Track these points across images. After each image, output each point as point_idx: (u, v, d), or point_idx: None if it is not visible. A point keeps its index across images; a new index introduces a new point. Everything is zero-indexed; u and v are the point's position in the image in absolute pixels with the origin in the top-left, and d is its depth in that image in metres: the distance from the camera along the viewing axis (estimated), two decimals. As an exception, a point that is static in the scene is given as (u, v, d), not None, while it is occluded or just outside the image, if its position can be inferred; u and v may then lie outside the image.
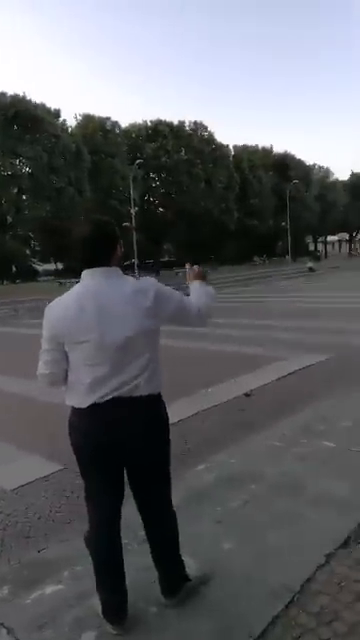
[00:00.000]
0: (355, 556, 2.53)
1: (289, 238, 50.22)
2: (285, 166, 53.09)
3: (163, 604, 2.23)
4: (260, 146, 52.92)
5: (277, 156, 54.29)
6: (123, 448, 2.04)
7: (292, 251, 51.46)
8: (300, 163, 56.23)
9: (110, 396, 1.96)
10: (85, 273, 2.01)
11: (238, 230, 46.95)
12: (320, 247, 69.79)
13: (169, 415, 2.17)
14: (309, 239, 65.16)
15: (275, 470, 3.60)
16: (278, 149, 55.71)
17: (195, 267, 2.35)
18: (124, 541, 2.19)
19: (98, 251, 2.00)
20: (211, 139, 45.68)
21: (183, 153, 42.36)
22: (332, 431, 4.31)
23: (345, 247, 78.74)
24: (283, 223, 50.38)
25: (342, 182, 64.79)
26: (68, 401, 2.07)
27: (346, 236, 75.27)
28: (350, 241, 74.59)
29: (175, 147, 41.89)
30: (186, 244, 45.92)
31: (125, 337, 1.94)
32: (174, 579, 2.24)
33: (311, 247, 65.95)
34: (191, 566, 2.33)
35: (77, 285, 2.03)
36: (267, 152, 53.39)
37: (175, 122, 43.79)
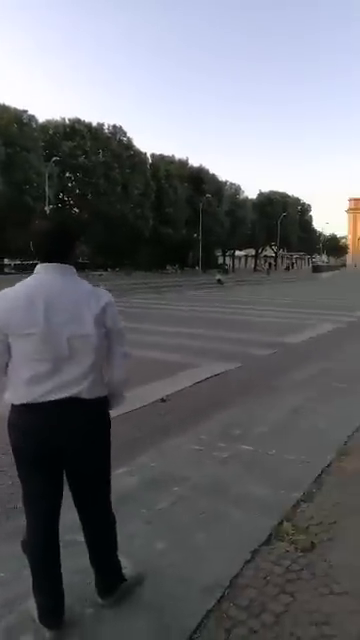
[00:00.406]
0: (277, 552, 2.71)
1: (200, 250, 51.55)
2: (199, 179, 54.44)
3: (99, 605, 2.24)
4: (177, 157, 53.93)
5: (192, 169, 55.53)
6: (64, 450, 2.01)
7: (203, 263, 52.85)
8: (213, 178, 57.96)
9: (54, 395, 1.93)
10: (40, 267, 2.00)
11: (152, 237, 47.28)
12: (228, 261, 72.36)
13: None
14: (219, 252, 67.27)
15: (197, 473, 3.72)
16: (193, 162, 57.13)
17: None
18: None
19: (57, 246, 1.99)
20: (129, 144, 45.65)
21: (101, 155, 41.87)
22: (248, 436, 4.53)
23: (251, 262, 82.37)
24: (195, 234, 51.59)
25: (251, 200, 67.83)
26: (8, 398, 2.00)
27: (252, 252, 78.84)
28: (256, 257, 78.14)
29: (93, 148, 41.31)
30: (100, 247, 45.38)
31: (72, 335, 1.94)
32: (111, 580, 2.26)
33: (220, 260, 68.19)
34: (126, 566, 2.36)
35: (29, 278, 1.99)
36: (183, 164, 54.39)
37: (94, 124, 43.28)
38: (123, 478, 3.64)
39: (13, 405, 1.98)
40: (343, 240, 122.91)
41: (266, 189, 74.15)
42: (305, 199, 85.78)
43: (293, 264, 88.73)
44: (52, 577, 2.08)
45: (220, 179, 60.01)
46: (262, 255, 79.87)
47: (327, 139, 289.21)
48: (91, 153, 41.47)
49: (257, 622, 2.18)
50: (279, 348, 9.64)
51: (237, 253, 76.58)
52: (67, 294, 1.97)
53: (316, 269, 73.77)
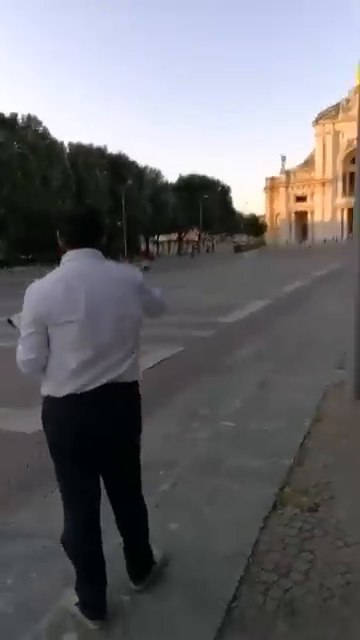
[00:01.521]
0: (286, 516, 2.85)
1: (125, 238, 51.11)
2: (119, 166, 53.85)
3: (134, 590, 2.26)
4: (95, 145, 52.91)
5: (111, 156, 54.77)
6: (106, 438, 1.99)
7: (127, 251, 52.50)
8: (133, 164, 57.61)
9: (97, 382, 1.90)
10: (72, 253, 1.98)
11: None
12: (152, 246, 72.42)
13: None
14: (142, 239, 67.18)
15: (184, 454, 3.76)
16: (112, 150, 56.35)
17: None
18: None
19: (89, 231, 2.01)
20: (45, 134, 44.16)
21: (16, 147, 40.18)
22: (221, 413, 4.63)
23: (174, 247, 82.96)
24: (119, 223, 51.06)
25: (172, 184, 68.14)
26: (46, 390, 1.95)
27: (175, 236, 79.42)
28: (179, 241, 78.78)
29: (8, 140, 39.52)
30: (20, 242, 43.70)
31: (116, 316, 1.93)
32: (145, 565, 2.28)
33: (143, 247, 68.11)
34: (153, 550, 2.39)
35: (62, 265, 1.98)
36: (102, 152, 53.51)
37: (7, 114, 41.30)
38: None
39: (53, 398, 1.92)
40: (262, 219, 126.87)
41: (185, 173, 74.76)
42: (224, 181, 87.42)
43: (213, 245, 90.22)
44: (97, 569, 2.07)
45: (140, 165, 59.69)
46: (185, 239, 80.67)
47: (243, 120, 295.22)
48: (5, 145, 39.65)
49: (288, 581, 2.30)
50: (219, 328, 9.86)
51: (160, 238, 76.82)
52: (102, 279, 1.96)
53: (237, 249, 75.57)
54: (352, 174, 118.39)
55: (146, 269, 38.31)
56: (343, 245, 54.13)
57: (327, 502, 2.97)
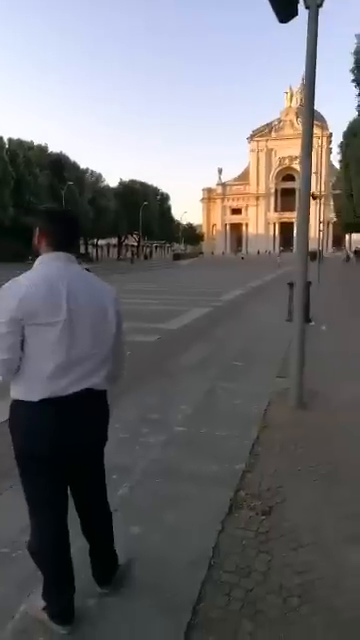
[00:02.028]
0: (242, 519, 2.95)
1: (64, 239, 50.09)
2: (60, 166, 52.79)
3: (100, 594, 2.25)
4: (35, 143, 51.57)
5: (52, 155, 53.65)
6: (80, 445, 1.96)
7: (66, 252, 51.48)
8: (74, 165, 56.70)
9: (73, 388, 1.86)
10: (51, 255, 1.93)
11: (13, 227, 44.72)
12: (91, 250, 71.55)
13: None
14: (81, 242, 66.26)
15: (137, 459, 3.77)
16: (53, 149, 55.21)
17: None
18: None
19: (73, 235, 2.02)
20: (-17, 127, 42.53)
21: None
22: (169, 419, 4.67)
23: (113, 251, 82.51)
24: (59, 223, 49.95)
25: (112, 189, 67.75)
26: (18, 394, 1.87)
27: (114, 241, 78.98)
28: (119, 246, 78.46)
29: None
30: None
31: (96, 322, 1.92)
32: (110, 569, 2.28)
33: (82, 250, 67.12)
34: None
35: (42, 265, 1.92)
36: (43, 150, 52.30)
37: None
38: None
39: (26, 402, 1.85)
40: (199, 229, 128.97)
41: (126, 178, 74.62)
42: (164, 189, 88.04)
43: (152, 252, 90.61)
44: (66, 577, 2.05)
45: (81, 167, 58.85)
46: (124, 244, 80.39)
47: (184, 129, 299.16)
48: None
49: (250, 582, 2.38)
50: (162, 334, 9.92)
51: (100, 242, 76.07)
52: (85, 283, 1.95)
53: (176, 257, 76.37)
54: (283, 190, 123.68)
55: (87, 271, 37.73)
56: (275, 258, 56.08)
57: (280, 505, 3.09)
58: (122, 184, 72.63)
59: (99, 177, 64.08)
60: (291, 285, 10.92)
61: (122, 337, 2.12)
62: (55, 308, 1.82)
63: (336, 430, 4.42)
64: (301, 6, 4.96)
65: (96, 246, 74.68)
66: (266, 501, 3.13)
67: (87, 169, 61.46)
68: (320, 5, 4.90)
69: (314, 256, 24.39)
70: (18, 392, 1.88)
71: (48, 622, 2.05)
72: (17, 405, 1.90)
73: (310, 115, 5.07)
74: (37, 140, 53.04)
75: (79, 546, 2.20)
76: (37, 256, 1.98)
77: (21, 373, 1.86)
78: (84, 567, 2.22)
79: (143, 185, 75.46)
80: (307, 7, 4.92)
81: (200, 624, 2.11)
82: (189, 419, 4.68)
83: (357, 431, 4.38)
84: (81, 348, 1.88)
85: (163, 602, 2.23)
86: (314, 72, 4.98)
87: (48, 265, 1.92)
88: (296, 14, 5.14)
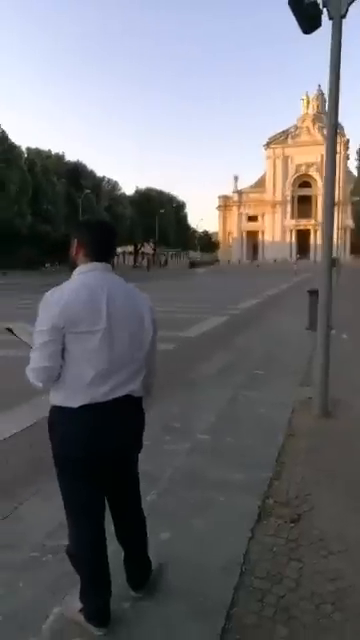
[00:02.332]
0: (271, 526, 2.97)
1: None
2: (77, 175, 53.53)
3: (134, 598, 2.29)
4: (53, 152, 52.45)
5: (69, 164, 54.42)
6: (117, 450, 2.02)
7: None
8: (91, 174, 57.40)
9: (113, 394, 1.93)
10: (91, 265, 2.00)
11: (31, 235, 45.42)
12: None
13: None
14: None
15: (163, 466, 3.79)
16: (70, 157, 56.01)
17: None
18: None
19: (111, 246, 2.11)
20: (4, 138, 43.32)
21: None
22: (194, 427, 4.71)
23: (129, 259, 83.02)
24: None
25: (128, 197, 68.35)
26: (58, 400, 1.94)
27: (130, 248, 79.50)
28: (135, 253, 78.96)
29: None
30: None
31: (134, 331, 1.99)
32: (145, 574, 2.33)
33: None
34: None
35: (83, 275, 1.98)
36: (60, 159, 53.12)
37: None
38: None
39: (66, 408, 1.91)
40: (215, 236, 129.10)
41: (142, 186, 75.22)
42: (180, 197, 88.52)
43: (167, 260, 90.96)
44: (104, 579, 2.11)
45: (97, 175, 59.51)
46: (140, 251, 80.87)
47: (199, 136, 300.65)
48: None
49: (282, 588, 2.40)
50: (179, 342, 9.88)
51: (117, 250, 76.59)
52: (124, 291, 2.02)
53: (192, 265, 76.56)
54: (300, 197, 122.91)
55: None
56: (292, 265, 55.86)
57: (308, 513, 3.11)
58: (138, 192, 73.22)
59: (115, 185, 64.72)
60: (311, 293, 10.92)
61: (156, 345, 2.18)
62: (95, 316, 1.87)
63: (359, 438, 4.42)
64: (324, 16, 5.03)
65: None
66: (294, 509, 3.15)
67: (104, 177, 62.11)
68: (344, 16, 4.96)
69: (332, 263, 24.22)
70: (58, 399, 1.95)
71: (84, 624, 2.09)
72: (57, 411, 1.96)
73: (334, 126, 5.11)
74: (54, 149, 53.98)
75: (113, 550, 2.24)
76: (74, 267, 2.05)
77: (61, 380, 1.92)
78: (119, 571, 2.27)
79: (159, 193, 75.97)
80: (331, 18, 4.99)
81: (234, 629, 2.14)
82: (213, 427, 4.71)
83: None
84: (120, 355, 1.94)
85: (197, 606, 2.27)
86: (338, 82, 5.02)
87: (87, 275, 1.97)
88: (320, 25, 5.20)
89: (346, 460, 3.92)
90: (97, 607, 2.09)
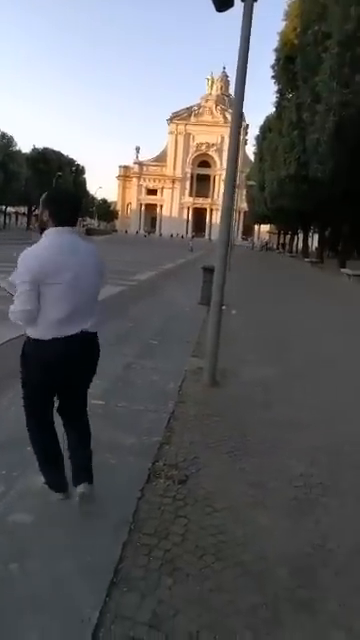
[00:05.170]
0: (160, 487, 3.10)
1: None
2: (-33, 124, 49.25)
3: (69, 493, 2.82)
4: None
5: None
6: (77, 371, 2.61)
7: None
8: (-17, 125, 53.21)
9: (74, 330, 2.47)
10: (58, 229, 2.46)
11: None
12: (-1, 217, 67.92)
13: None
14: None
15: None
16: None
17: None
18: None
19: (75, 212, 2.59)
20: None
21: None
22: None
23: (23, 220, 78.91)
24: None
25: (25, 154, 64.33)
26: (34, 334, 2.45)
27: (24, 209, 75.43)
28: (29, 215, 74.97)
29: None
30: None
31: (89, 284, 2.51)
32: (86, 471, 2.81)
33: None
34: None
35: (49, 237, 2.44)
36: None
37: None
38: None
39: (40, 340, 2.44)
40: (114, 206, 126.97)
41: (40, 145, 71.18)
42: (79, 161, 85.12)
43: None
44: (59, 457, 2.82)
45: (-10, 127, 55.16)
46: (35, 213, 76.97)
47: (103, 103, 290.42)
48: None
49: (168, 543, 2.53)
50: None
51: (9, 209, 72.25)
52: (86, 251, 2.54)
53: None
54: (199, 176, 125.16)
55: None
56: (187, 242, 56.87)
57: (195, 475, 3.28)
58: (35, 150, 69.12)
59: (10, 140, 60.39)
60: (205, 269, 11.26)
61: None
62: (63, 270, 2.37)
63: (245, 406, 4.72)
64: (237, -3, 5.09)
65: (4, 213, 70.86)
66: (182, 470, 3.31)
67: (-2, 130, 57.71)
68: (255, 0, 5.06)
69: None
70: (33, 332, 2.47)
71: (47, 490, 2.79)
72: (30, 342, 2.50)
73: (239, 111, 5.27)
74: None
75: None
76: (43, 229, 2.51)
77: (38, 320, 2.43)
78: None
79: (57, 154, 72.30)
80: (243, 0, 5.06)
81: (123, 582, 2.22)
82: (107, 393, 4.73)
83: (263, 407, 4.72)
84: (82, 300, 2.47)
85: (85, 565, 2.32)
86: (245, 66, 5.12)
87: (55, 237, 2.44)
88: (232, 5, 5.27)
89: (231, 425, 4.17)
90: (54, 479, 2.80)
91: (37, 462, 2.80)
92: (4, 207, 68.03)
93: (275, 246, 77.38)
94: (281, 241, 74.15)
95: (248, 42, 5.09)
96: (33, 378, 2.54)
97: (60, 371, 2.52)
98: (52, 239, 2.44)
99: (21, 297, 2.37)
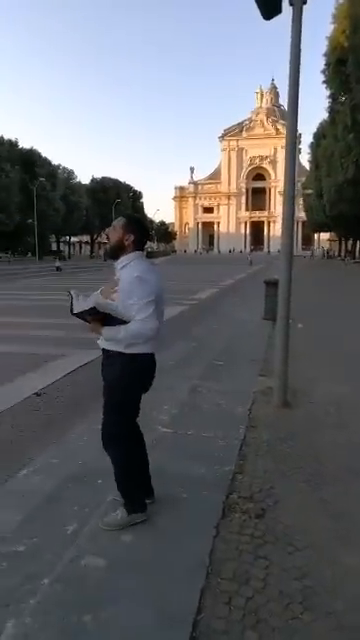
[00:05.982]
0: (236, 523, 2.88)
1: (36, 236, 49.22)
2: (32, 162, 51.85)
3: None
4: (6, 138, 50.47)
5: (23, 151, 52.63)
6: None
7: (38, 249, 50.71)
8: (46, 161, 55.71)
9: (157, 348, 2.74)
10: (140, 253, 2.70)
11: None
12: (63, 247, 70.59)
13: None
14: (52, 238, 65.19)
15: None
16: (24, 144, 54.17)
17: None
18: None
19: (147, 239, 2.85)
20: None
21: None
22: (155, 419, 4.57)
23: (86, 249, 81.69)
24: (29, 220, 49.13)
25: (84, 185, 66.87)
26: (134, 350, 2.59)
27: (87, 238, 78.09)
28: (92, 243, 77.61)
29: None
30: None
31: (163, 301, 2.71)
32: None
33: (54, 246, 66.20)
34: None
35: (141, 260, 2.66)
36: (13, 145, 51.21)
37: None
38: (30, 479, 3.44)
39: (138, 355, 2.62)
40: (171, 227, 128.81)
41: (98, 175, 73.81)
42: (136, 186, 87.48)
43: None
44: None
45: (53, 162, 57.92)
46: (97, 241, 79.54)
47: (158, 129, 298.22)
48: None
49: (249, 589, 2.31)
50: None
51: (72, 239, 75.11)
52: (158, 270, 2.77)
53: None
54: (254, 189, 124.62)
55: (58, 269, 37.15)
56: (246, 256, 56.42)
57: (272, 508, 3.04)
58: (94, 181, 71.76)
59: (71, 173, 63.17)
60: (267, 283, 10.96)
61: None
62: (162, 291, 2.67)
63: (320, 428, 4.41)
64: (285, 3, 4.93)
65: (68, 243, 73.70)
66: (259, 503, 3.08)
67: (59, 165, 60.55)
68: (305, 2, 4.88)
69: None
70: (136, 347, 2.60)
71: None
72: (130, 357, 2.62)
73: (294, 116, 5.06)
74: (7, 135, 52.00)
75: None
76: (117, 253, 2.68)
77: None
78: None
79: (115, 182, 74.72)
80: (291, 4, 4.89)
81: (203, 636, 2.03)
82: (175, 420, 4.59)
83: (338, 429, 4.39)
84: (160, 318, 2.66)
85: (162, 619, 2.14)
86: (298, 72, 4.93)
87: (143, 259, 2.69)
88: (280, 11, 5.11)
89: (307, 450, 3.89)
90: (140, 497, 2.90)
91: (121, 484, 2.83)
92: (68, 237, 70.71)
93: (336, 253, 75.14)
94: (343, 248, 71.90)
95: (299, 48, 4.91)
96: (133, 392, 2.73)
97: (150, 384, 2.78)
98: (144, 262, 2.67)
99: (151, 315, 2.53)
